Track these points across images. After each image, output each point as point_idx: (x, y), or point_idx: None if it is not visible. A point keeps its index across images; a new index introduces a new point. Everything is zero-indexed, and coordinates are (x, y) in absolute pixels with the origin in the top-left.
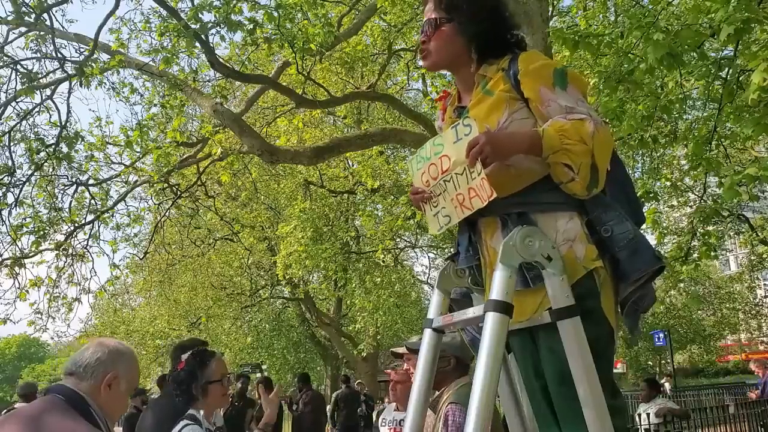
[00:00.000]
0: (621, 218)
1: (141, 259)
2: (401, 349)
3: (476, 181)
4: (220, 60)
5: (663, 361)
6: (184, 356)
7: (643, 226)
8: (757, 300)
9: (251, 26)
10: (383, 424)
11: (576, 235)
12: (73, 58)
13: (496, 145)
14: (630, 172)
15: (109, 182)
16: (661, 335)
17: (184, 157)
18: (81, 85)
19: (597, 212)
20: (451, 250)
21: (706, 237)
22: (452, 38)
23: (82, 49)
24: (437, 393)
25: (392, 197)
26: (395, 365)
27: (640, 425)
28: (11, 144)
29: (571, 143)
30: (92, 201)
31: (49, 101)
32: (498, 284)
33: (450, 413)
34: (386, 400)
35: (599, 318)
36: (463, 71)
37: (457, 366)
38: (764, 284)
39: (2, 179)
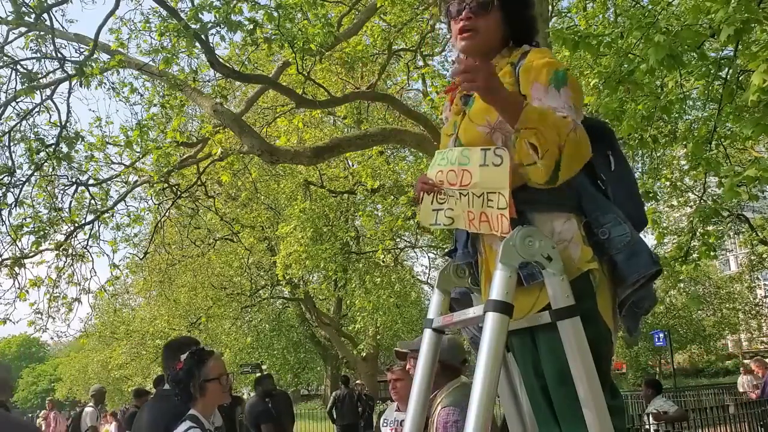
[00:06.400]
0: (618, 220)
1: (141, 259)
2: (404, 349)
3: (493, 212)
4: (220, 60)
5: (663, 361)
6: (183, 356)
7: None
8: (757, 300)
9: (251, 26)
10: (385, 424)
11: (572, 236)
12: (73, 58)
13: (488, 80)
14: None
15: (109, 182)
16: (661, 335)
17: (184, 157)
18: (81, 85)
19: (595, 214)
20: (445, 255)
21: (706, 237)
22: (499, 24)
23: (82, 49)
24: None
25: (392, 197)
26: (391, 365)
27: (650, 425)
28: (11, 144)
29: (545, 128)
30: (92, 201)
31: (49, 101)
32: (498, 284)
33: (444, 416)
34: (388, 402)
35: (595, 318)
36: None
37: (443, 370)
38: (764, 284)
39: (2, 179)
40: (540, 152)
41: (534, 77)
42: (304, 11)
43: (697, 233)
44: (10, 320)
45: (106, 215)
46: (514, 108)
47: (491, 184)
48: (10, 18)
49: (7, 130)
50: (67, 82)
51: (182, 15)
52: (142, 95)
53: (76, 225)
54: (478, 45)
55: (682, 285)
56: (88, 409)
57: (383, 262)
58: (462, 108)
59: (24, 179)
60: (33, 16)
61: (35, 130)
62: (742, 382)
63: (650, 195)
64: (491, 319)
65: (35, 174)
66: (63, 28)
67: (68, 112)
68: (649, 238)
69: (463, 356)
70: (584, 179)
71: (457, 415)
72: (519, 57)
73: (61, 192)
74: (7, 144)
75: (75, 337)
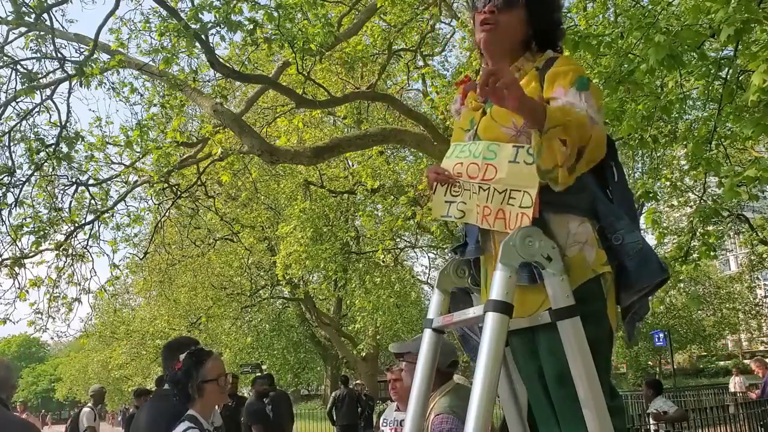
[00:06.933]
0: (631, 227)
1: (141, 259)
2: (397, 351)
3: (513, 210)
4: (220, 60)
5: (663, 361)
6: (182, 356)
7: (643, 226)
8: (757, 300)
9: (251, 26)
10: (384, 424)
11: (587, 238)
12: (73, 58)
13: (515, 89)
14: (630, 172)
15: (109, 182)
16: (661, 335)
17: (184, 157)
18: (81, 85)
19: (609, 220)
20: (451, 251)
21: (706, 237)
22: (522, 23)
23: (82, 49)
24: None
25: (392, 197)
26: (391, 365)
27: (650, 425)
28: (11, 144)
29: (569, 123)
30: (92, 201)
31: (49, 101)
32: (498, 284)
33: (437, 423)
34: (388, 402)
35: (603, 320)
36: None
37: None
38: (764, 284)
39: (2, 179)
40: (568, 146)
41: (559, 82)
42: (304, 11)
43: (697, 233)
44: (10, 320)
45: (106, 215)
46: (539, 113)
47: (518, 182)
48: (10, 18)
49: (7, 130)
50: (67, 82)
51: (182, 15)
52: (142, 95)
53: (76, 225)
54: (497, 40)
55: (682, 285)
56: (85, 410)
57: (383, 262)
58: (481, 104)
59: (24, 179)
60: (33, 16)
61: (35, 130)
62: (734, 383)
63: (650, 195)
64: (491, 319)
65: (35, 174)
66: (63, 28)
67: (68, 112)
68: (649, 238)
69: (451, 359)
70: (596, 186)
71: (451, 423)
72: (544, 62)
73: (61, 192)
74: (7, 144)
75: (75, 337)
